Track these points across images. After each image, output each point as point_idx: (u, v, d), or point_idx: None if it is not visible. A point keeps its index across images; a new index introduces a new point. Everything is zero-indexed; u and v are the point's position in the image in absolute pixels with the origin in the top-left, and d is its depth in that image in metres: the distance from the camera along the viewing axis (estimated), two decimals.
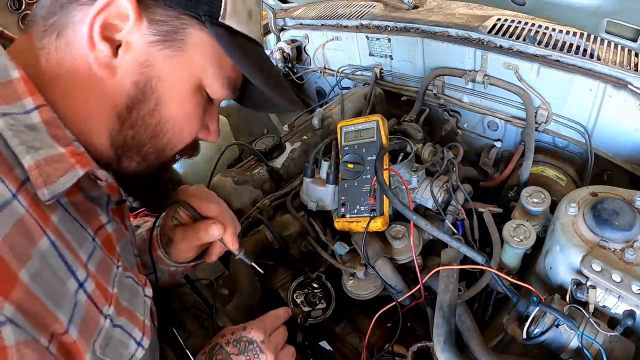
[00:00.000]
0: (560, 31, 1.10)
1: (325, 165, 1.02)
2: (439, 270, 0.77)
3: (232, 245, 0.72)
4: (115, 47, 0.47)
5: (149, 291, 0.60)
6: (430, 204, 0.92)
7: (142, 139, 0.52)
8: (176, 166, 1.45)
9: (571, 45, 1.05)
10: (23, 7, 1.52)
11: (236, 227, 0.74)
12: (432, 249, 0.95)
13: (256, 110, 0.70)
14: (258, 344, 0.66)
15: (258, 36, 0.58)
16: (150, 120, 0.51)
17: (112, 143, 0.51)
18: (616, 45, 1.02)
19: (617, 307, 0.65)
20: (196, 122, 0.57)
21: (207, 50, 0.52)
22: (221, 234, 0.70)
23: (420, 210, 0.97)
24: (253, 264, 0.76)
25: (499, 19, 1.19)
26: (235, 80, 0.58)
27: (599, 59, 1.00)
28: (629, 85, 0.95)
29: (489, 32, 1.14)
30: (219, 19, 0.50)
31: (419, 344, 0.78)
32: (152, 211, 0.65)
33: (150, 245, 0.74)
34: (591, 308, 0.63)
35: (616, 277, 0.62)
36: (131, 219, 1.05)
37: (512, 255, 0.82)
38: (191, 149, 0.61)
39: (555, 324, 0.64)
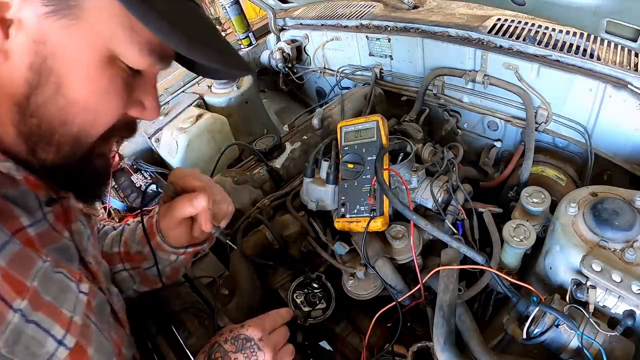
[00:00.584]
0: (560, 31, 1.10)
1: (325, 165, 1.02)
2: (439, 270, 0.77)
3: (205, 225, 0.70)
4: (7, 27, 0.42)
5: (84, 287, 0.55)
6: (430, 204, 0.92)
7: (49, 128, 0.47)
8: (175, 166, 1.45)
9: (571, 45, 1.05)
10: None
11: (228, 207, 0.74)
12: (432, 249, 0.95)
13: (206, 77, 0.63)
14: (256, 341, 0.66)
15: None
16: (51, 107, 0.45)
17: (19, 135, 0.47)
18: (616, 45, 1.02)
19: (617, 307, 0.65)
20: (115, 100, 0.49)
21: (111, 12, 0.44)
22: (197, 206, 0.67)
23: (420, 210, 0.97)
24: (227, 241, 0.78)
25: (499, 19, 1.19)
26: (160, 44, 0.48)
27: (599, 59, 1.00)
28: (629, 85, 0.95)
29: (489, 32, 1.14)
30: None
31: (419, 344, 0.77)
32: (88, 203, 0.62)
33: (147, 233, 0.73)
34: (591, 308, 0.63)
35: (616, 277, 0.62)
36: (131, 219, 1.05)
37: (512, 255, 0.82)
38: (126, 130, 0.55)
39: (555, 324, 0.64)
